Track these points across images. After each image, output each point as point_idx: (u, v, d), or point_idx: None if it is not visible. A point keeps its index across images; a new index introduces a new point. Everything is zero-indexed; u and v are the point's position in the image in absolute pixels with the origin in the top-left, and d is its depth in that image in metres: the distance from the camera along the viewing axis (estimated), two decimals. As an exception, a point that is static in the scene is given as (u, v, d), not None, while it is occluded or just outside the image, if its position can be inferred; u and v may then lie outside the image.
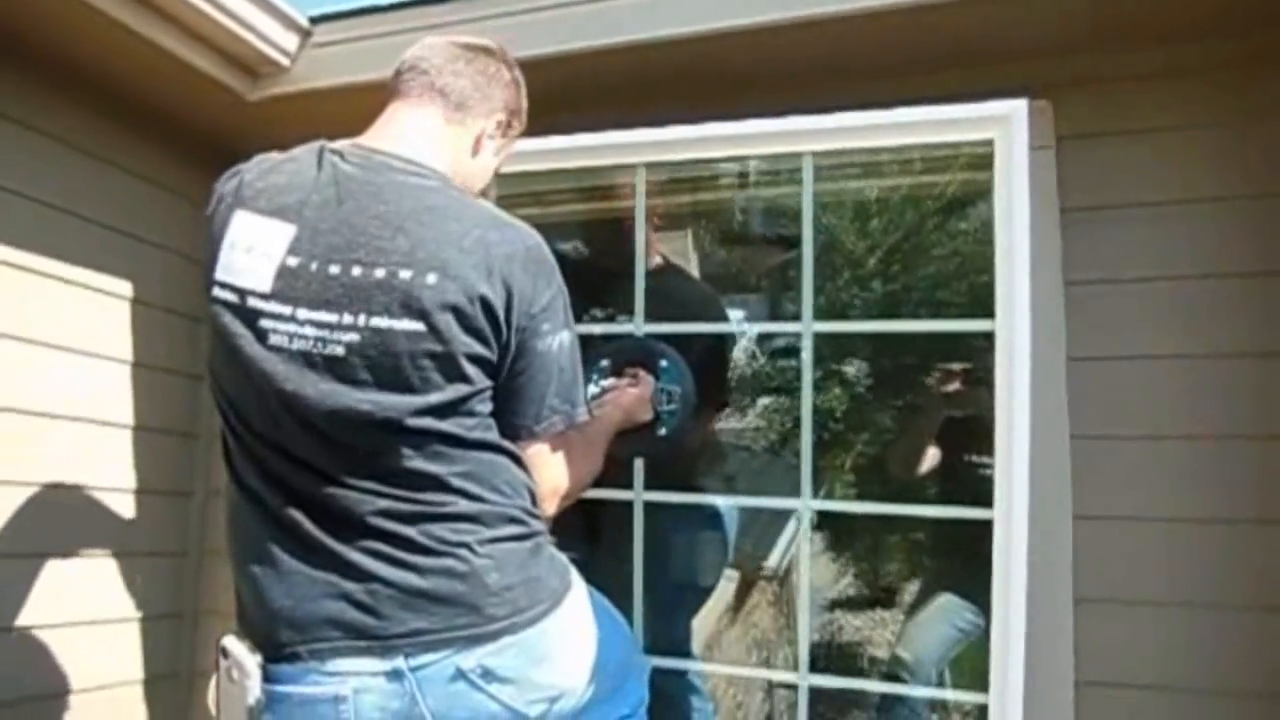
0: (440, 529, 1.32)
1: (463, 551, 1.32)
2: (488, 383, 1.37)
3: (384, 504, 1.31)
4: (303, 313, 1.30)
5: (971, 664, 2.52)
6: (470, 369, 1.33)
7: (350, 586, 1.29)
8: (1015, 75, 2.08)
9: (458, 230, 1.34)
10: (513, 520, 1.38)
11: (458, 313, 1.30)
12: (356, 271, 1.30)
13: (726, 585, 3.22)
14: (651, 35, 2.08)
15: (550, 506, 1.50)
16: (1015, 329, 1.86)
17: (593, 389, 2.00)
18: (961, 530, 2.08)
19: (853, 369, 3.99)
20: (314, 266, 1.31)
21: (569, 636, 1.43)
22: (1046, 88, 2.07)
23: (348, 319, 1.29)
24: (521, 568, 1.36)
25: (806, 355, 2.11)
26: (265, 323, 1.31)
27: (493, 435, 1.39)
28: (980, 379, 2.65)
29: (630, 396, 1.96)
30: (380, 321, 1.29)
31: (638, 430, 1.96)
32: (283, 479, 1.33)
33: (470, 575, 1.31)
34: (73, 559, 2.33)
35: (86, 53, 2.22)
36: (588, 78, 2.20)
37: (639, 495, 2.18)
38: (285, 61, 2.34)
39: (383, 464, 1.31)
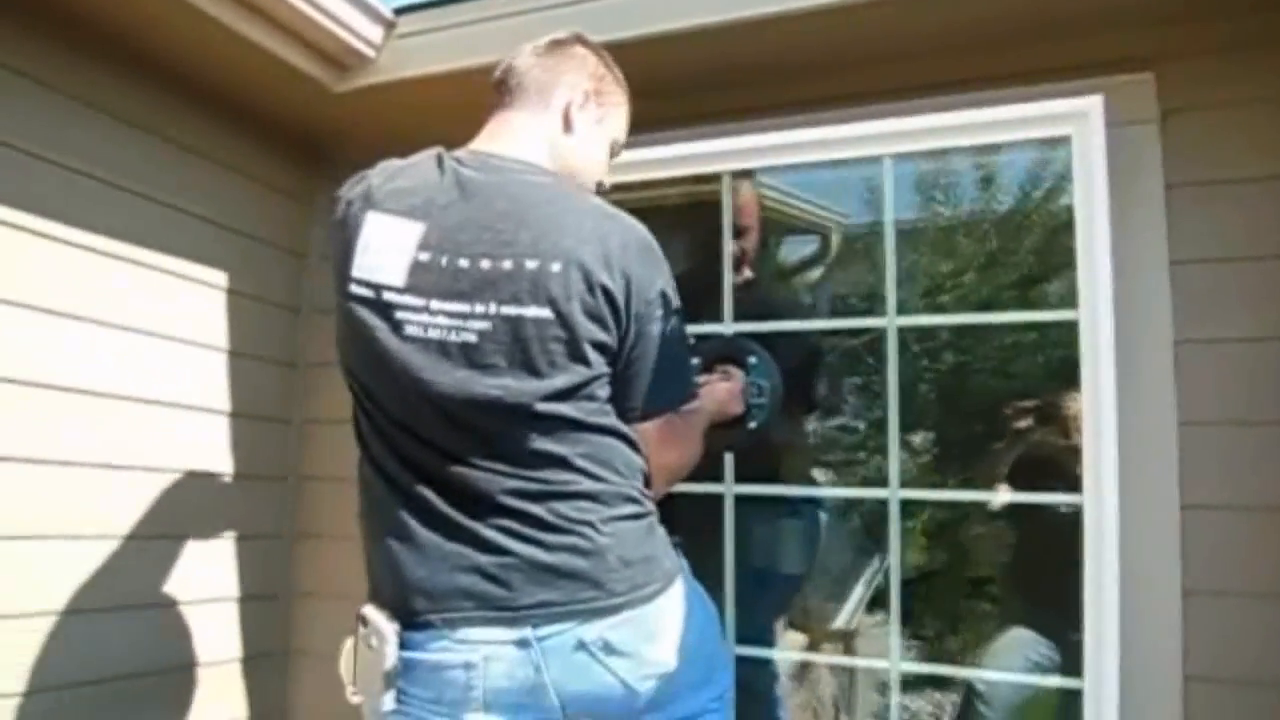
0: (565, 507, 1.38)
1: (587, 530, 1.38)
2: (607, 369, 1.44)
3: (512, 484, 1.37)
4: (436, 304, 1.39)
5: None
6: (592, 354, 1.40)
7: (483, 559, 1.36)
8: (1116, 46, 2.01)
9: (575, 222, 1.42)
10: (630, 500, 1.44)
11: (582, 300, 1.38)
12: (485, 264, 1.39)
13: (790, 644, 3.20)
14: (741, 15, 2.04)
15: (659, 485, 1.58)
16: (1099, 322, 1.94)
17: None
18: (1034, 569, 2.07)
19: (922, 437, 4.04)
20: (444, 261, 1.40)
21: (677, 616, 1.47)
22: (1152, 58, 1.99)
23: (479, 308, 1.38)
24: (639, 546, 1.42)
25: (892, 349, 2.17)
26: (401, 314, 1.39)
27: (611, 419, 1.46)
28: (1052, 416, 2.69)
29: (722, 389, 2.03)
30: (510, 309, 1.37)
31: (727, 425, 2.02)
32: (414, 459, 1.41)
33: (594, 552, 1.37)
34: (177, 541, 2.40)
35: (182, 49, 2.27)
36: (671, 65, 2.18)
37: (730, 488, 2.27)
38: (370, 53, 2.36)
39: (511, 446, 1.38)
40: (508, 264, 1.38)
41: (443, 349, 1.38)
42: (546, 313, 1.37)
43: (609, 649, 1.37)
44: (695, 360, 2.10)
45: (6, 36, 2.04)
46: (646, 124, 2.30)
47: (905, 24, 2.01)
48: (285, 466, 2.74)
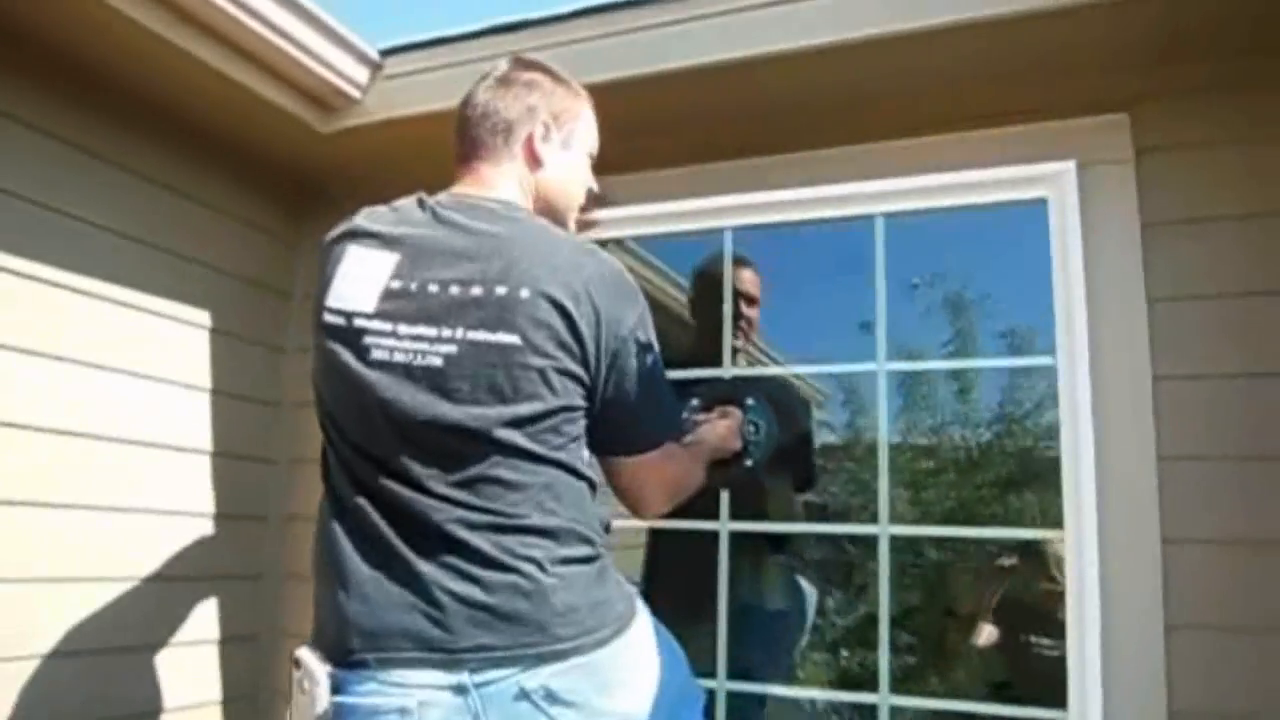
0: (511, 540, 1.34)
1: (530, 567, 1.34)
2: (580, 403, 1.43)
3: (460, 513, 1.35)
4: (404, 328, 1.39)
5: None
6: (559, 383, 1.39)
7: (421, 599, 1.32)
8: (1093, 89, 2.05)
9: (547, 252, 1.44)
10: (582, 539, 1.41)
11: (549, 328, 1.38)
12: (455, 290, 1.40)
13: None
14: (734, 55, 2.06)
15: (660, 501, 1.62)
16: (1075, 368, 2.00)
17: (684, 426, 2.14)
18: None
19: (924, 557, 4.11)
20: (414, 286, 1.41)
21: (637, 663, 1.43)
22: (1126, 100, 2.04)
23: (446, 332, 1.38)
24: (588, 590, 1.38)
25: (882, 395, 2.23)
26: (368, 339, 1.41)
27: (576, 459, 1.44)
28: (1039, 555, 2.75)
29: (722, 425, 2.09)
30: (476, 335, 1.37)
31: (726, 462, 2.09)
32: (373, 490, 1.39)
33: (536, 594, 1.33)
34: (154, 583, 2.37)
35: (166, 89, 2.28)
36: (658, 106, 2.22)
37: (725, 525, 2.31)
38: (356, 94, 2.38)
39: (467, 472, 1.36)
40: (477, 290, 1.39)
41: (408, 372, 1.38)
42: (514, 339, 1.37)
43: (553, 698, 1.32)
44: (695, 401, 2.20)
45: (-6, 79, 2.04)
46: (634, 164, 2.39)
47: (877, 66, 2.05)
48: (268, 506, 2.73)
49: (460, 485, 1.36)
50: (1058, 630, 1.98)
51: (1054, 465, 2.05)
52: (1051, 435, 2.03)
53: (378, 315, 1.41)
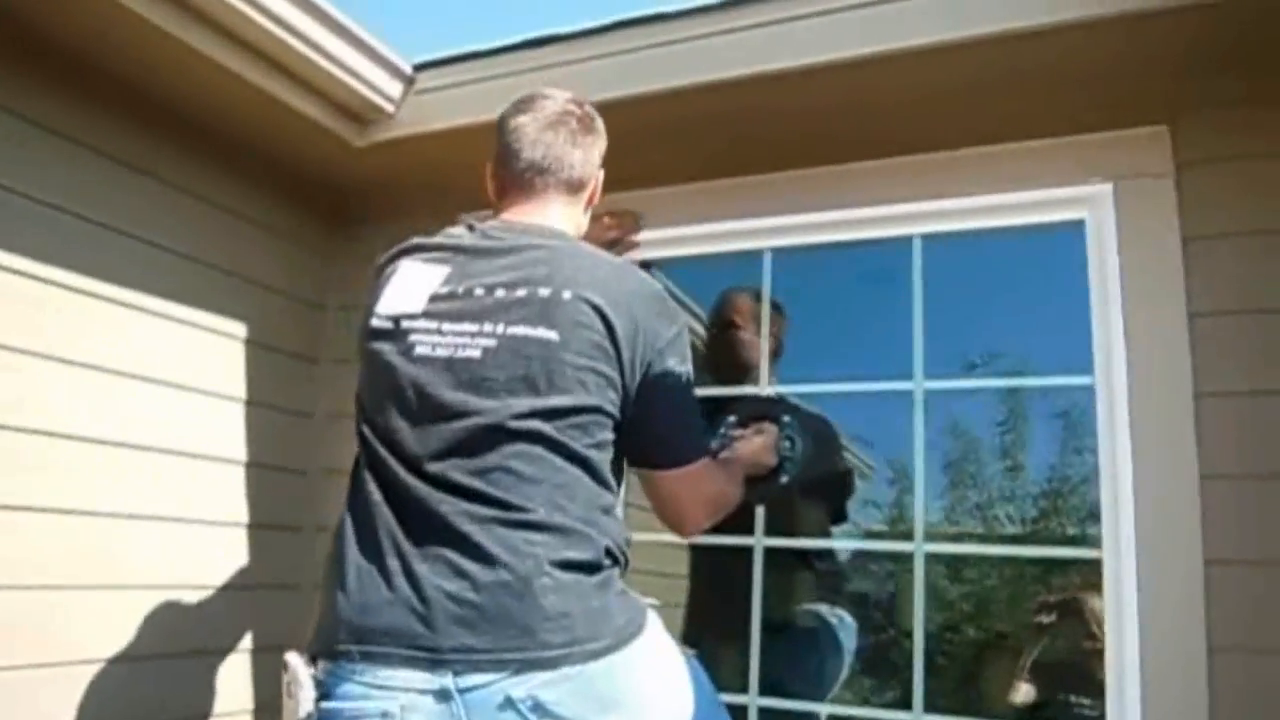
0: (514, 536, 1.34)
1: (526, 565, 1.32)
2: (611, 409, 1.45)
3: (467, 505, 1.36)
4: (448, 325, 1.46)
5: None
6: (594, 383, 1.42)
7: (411, 594, 1.32)
8: (1133, 102, 2.03)
9: (591, 265, 1.51)
10: (591, 545, 1.38)
11: (589, 329, 1.43)
12: (500, 293, 1.46)
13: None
14: (760, 69, 2.06)
15: (701, 516, 1.64)
16: (1113, 386, 2.00)
17: (718, 442, 2.17)
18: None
19: (955, 590, 4.12)
20: (461, 289, 1.48)
21: (640, 684, 1.37)
22: (1166, 112, 2.02)
23: (488, 328, 1.44)
24: (584, 597, 1.35)
25: (918, 420, 2.23)
26: (414, 337, 1.47)
27: (601, 464, 1.45)
28: (1079, 613, 2.73)
29: (758, 442, 2.12)
30: (517, 329, 1.42)
31: (761, 478, 2.11)
32: (394, 487, 1.42)
33: (526, 595, 1.30)
34: (189, 591, 2.40)
35: (203, 103, 2.32)
36: (695, 119, 2.23)
37: (759, 540, 2.34)
38: (390, 108, 2.41)
39: (485, 460, 1.38)
40: (521, 292, 1.46)
41: (449, 366, 1.43)
42: (553, 335, 1.41)
43: (541, 710, 1.27)
44: (731, 418, 2.22)
45: (33, 93, 2.09)
46: (653, 178, 2.40)
47: (909, 78, 2.04)
48: (301, 517, 2.75)
49: (476, 474, 1.37)
50: (1096, 690, 1.96)
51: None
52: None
53: (424, 315, 1.47)
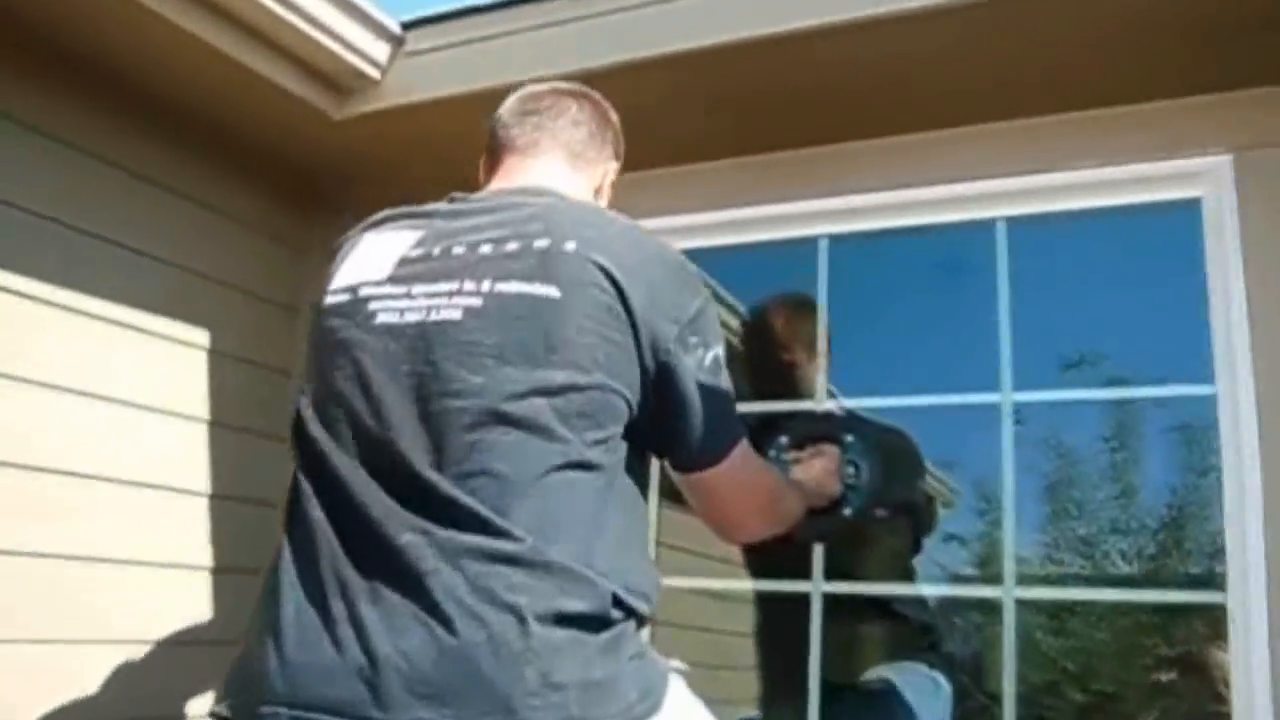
0: (492, 575, 1.24)
1: (505, 620, 1.21)
2: (629, 393, 1.37)
3: (435, 530, 1.27)
4: (420, 288, 1.39)
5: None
6: (604, 355, 1.34)
7: (359, 653, 1.23)
8: (1252, 57, 2.01)
9: (597, 222, 1.46)
10: (591, 592, 1.28)
11: (597, 288, 1.35)
12: (485, 249, 1.40)
13: None
14: (791, 27, 2.06)
15: (752, 520, 1.63)
16: (1238, 395, 2.00)
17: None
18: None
19: (1055, 644, 4.08)
20: (436, 250, 1.43)
21: None
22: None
23: (470, 285, 1.37)
24: (587, 665, 1.25)
25: (1006, 436, 2.22)
26: (375, 304, 1.40)
27: (614, 472, 1.38)
28: (1201, 667, 2.69)
29: (818, 466, 2.08)
30: (507, 286, 1.35)
31: (820, 511, 2.07)
32: (342, 498, 1.34)
33: (504, 660, 1.20)
34: (141, 645, 2.41)
35: (154, 71, 2.34)
36: (711, 84, 2.24)
37: (817, 586, 2.30)
38: (375, 74, 2.42)
39: (471, 461, 1.29)
40: (513, 245, 1.40)
41: (420, 332, 1.36)
42: (553, 291, 1.34)
43: None
44: (784, 439, 2.19)
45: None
46: (683, 155, 2.42)
47: (995, 30, 2.04)
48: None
49: (455, 480, 1.29)
50: None
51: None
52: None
53: (389, 280, 1.42)
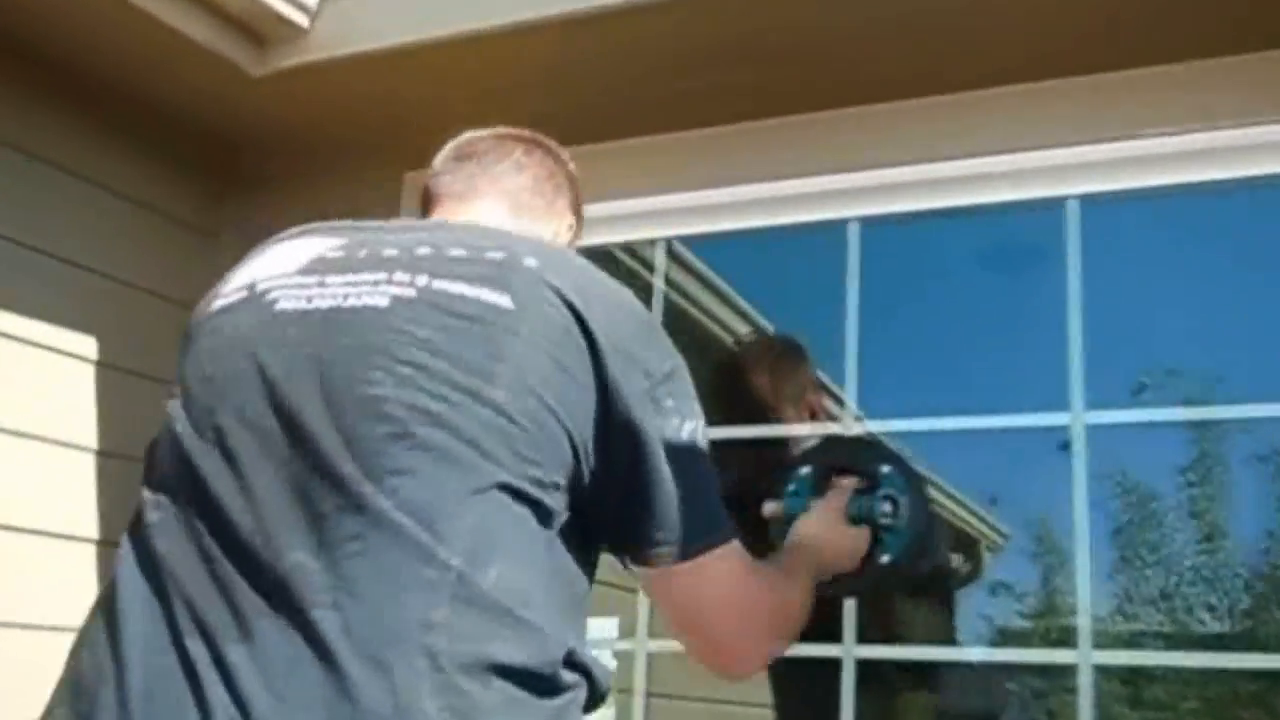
0: (403, 607, 1.16)
1: (414, 670, 1.13)
2: (573, 431, 1.30)
3: (333, 537, 1.20)
4: (334, 278, 1.38)
5: None
6: (556, 383, 1.29)
7: (234, 709, 1.14)
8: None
9: (559, 251, 1.51)
10: (537, 641, 1.22)
11: (555, 308, 1.32)
12: (423, 250, 1.39)
13: None
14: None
15: (747, 634, 1.53)
16: None
17: (790, 505, 2.12)
18: None
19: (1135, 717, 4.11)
20: (362, 253, 1.42)
21: None
22: None
23: (401, 276, 1.35)
24: None
25: (1079, 460, 2.19)
26: (275, 293, 1.39)
27: (549, 517, 1.29)
28: None
29: (817, 516, 2.02)
30: (450, 285, 1.33)
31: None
32: (212, 521, 1.26)
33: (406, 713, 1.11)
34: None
35: (27, 19, 2.29)
36: (711, 29, 2.19)
37: (849, 650, 2.28)
38: (303, 20, 2.39)
39: (388, 458, 1.23)
40: (458, 250, 1.38)
41: (328, 317, 1.33)
42: (505, 300, 1.31)
43: None
44: (805, 470, 2.17)
45: None
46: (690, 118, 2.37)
47: None
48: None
49: (366, 477, 1.21)
50: None
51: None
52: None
53: (299, 272, 1.41)
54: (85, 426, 2.55)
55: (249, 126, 2.69)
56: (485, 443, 1.24)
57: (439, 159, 1.74)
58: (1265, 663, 3.26)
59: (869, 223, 2.42)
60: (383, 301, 1.32)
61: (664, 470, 1.37)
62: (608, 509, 1.37)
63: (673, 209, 2.49)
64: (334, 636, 1.14)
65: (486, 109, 2.43)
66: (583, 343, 1.32)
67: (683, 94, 2.35)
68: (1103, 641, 2.24)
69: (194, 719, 1.14)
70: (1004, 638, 3.85)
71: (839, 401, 2.46)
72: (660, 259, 2.67)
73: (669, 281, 2.66)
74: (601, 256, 2.54)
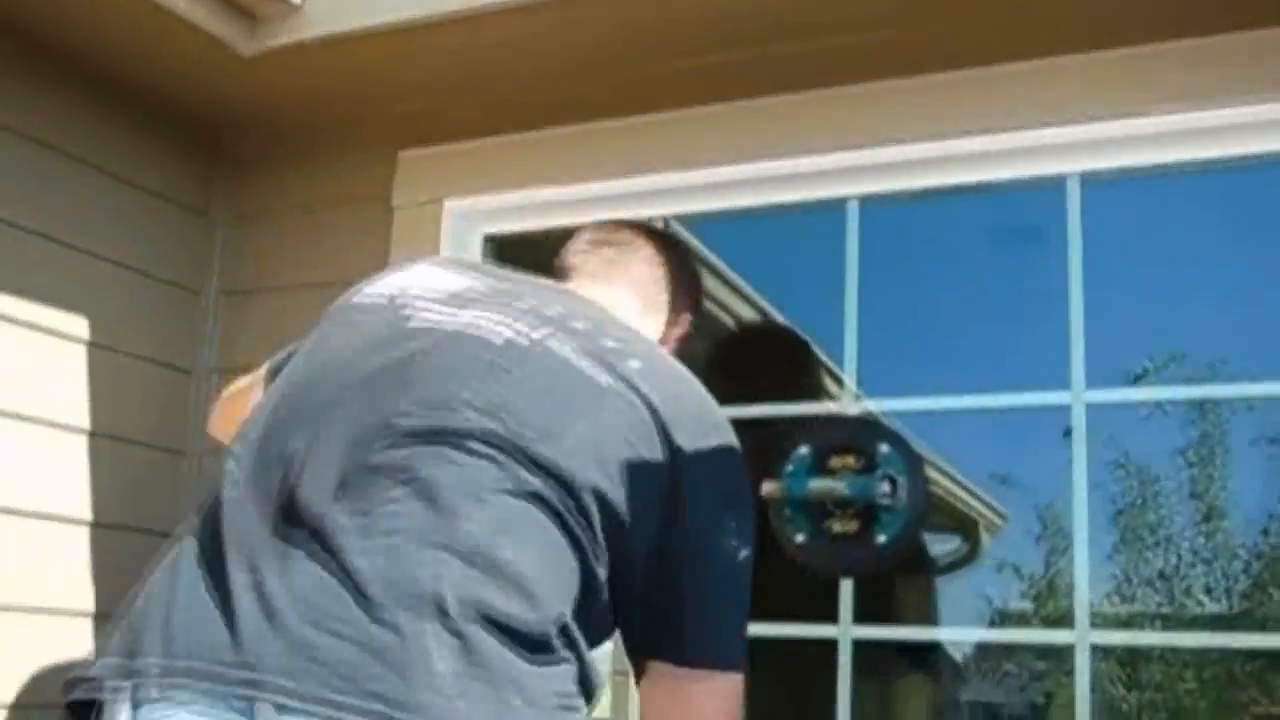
0: (418, 550, 1.32)
1: (426, 609, 1.27)
2: (626, 517, 1.41)
3: (365, 499, 1.37)
4: (466, 311, 1.53)
5: None
6: (627, 465, 1.41)
7: (251, 612, 1.30)
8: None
9: (673, 368, 1.60)
10: (535, 606, 1.33)
11: (642, 408, 1.45)
12: (551, 311, 1.55)
13: None
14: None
15: None
16: None
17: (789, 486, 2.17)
18: None
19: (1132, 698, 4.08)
20: (491, 294, 1.58)
21: None
22: None
23: (521, 327, 1.50)
24: (499, 688, 1.27)
25: (1079, 439, 2.21)
26: (410, 310, 1.55)
27: (585, 555, 1.40)
28: None
29: None
30: (559, 347, 1.49)
31: (847, 539, 2.12)
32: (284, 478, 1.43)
33: (414, 646, 1.24)
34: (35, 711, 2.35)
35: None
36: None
37: (846, 631, 2.27)
38: None
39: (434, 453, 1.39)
40: (579, 324, 1.54)
41: (454, 338, 1.48)
42: (605, 379, 1.46)
43: None
44: (804, 449, 2.22)
45: None
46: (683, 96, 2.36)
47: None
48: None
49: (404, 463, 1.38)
50: None
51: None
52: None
53: (434, 299, 1.57)
54: (75, 407, 2.53)
55: (240, 105, 2.67)
56: (544, 494, 1.38)
57: (575, 242, 1.87)
58: (1263, 642, 3.29)
59: (868, 201, 2.42)
60: (496, 339, 1.48)
61: (715, 581, 1.48)
62: (644, 605, 1.47)
63: (671, 188, 2.47)
64: (358, 570, 1.29)
65: (480, 88, 2.44)
66: (662, 448, 1.45)
67: (680, 72, 2.35)
68: (1101, 622, 2.25)
69: (221, 625, 1.29)
70: (1003, 618, 3.85)
71: (838, 381, 2.45)
72: (658, 238, 2.64)
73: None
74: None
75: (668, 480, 1.45)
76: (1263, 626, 4.10)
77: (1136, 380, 2.99)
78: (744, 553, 1.52)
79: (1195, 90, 2.13)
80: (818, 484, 2.28)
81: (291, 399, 1.52)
